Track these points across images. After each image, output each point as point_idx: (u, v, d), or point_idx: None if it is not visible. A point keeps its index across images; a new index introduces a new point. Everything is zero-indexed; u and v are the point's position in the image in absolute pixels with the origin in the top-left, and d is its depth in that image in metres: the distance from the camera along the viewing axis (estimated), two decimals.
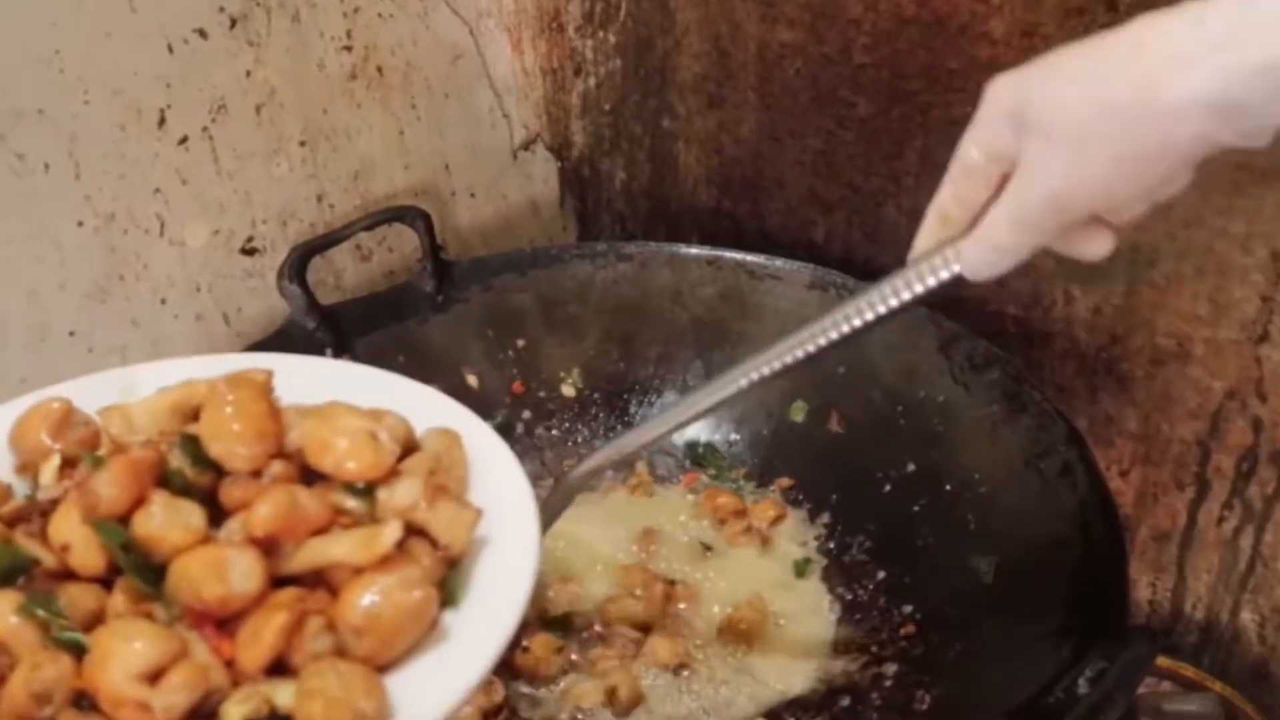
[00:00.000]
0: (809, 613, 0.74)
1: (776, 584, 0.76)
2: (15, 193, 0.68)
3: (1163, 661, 0.80)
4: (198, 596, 0.35)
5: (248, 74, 0.77)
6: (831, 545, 0.78)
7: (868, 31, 0.80)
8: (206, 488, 0.39)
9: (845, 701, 0.67)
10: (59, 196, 0.70)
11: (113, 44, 0.70)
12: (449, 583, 0.38)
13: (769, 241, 0.91)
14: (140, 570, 0.36)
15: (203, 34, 0.74)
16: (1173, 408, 0.77)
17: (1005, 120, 0.45)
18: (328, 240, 0.81)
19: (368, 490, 0.39)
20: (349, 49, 0.83)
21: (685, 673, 0.70)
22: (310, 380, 0.45)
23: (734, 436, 0.85)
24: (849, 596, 0.75)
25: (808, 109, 0.86)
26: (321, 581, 0.37)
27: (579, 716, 0.68)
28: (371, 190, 0.88)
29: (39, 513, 0.39)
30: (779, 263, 0.84)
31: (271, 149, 0.81)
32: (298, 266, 0.79)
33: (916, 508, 0.76)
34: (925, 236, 0.51)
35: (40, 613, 0.35)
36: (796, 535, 0.80)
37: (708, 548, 0.78)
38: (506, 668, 0.69)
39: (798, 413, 0.83)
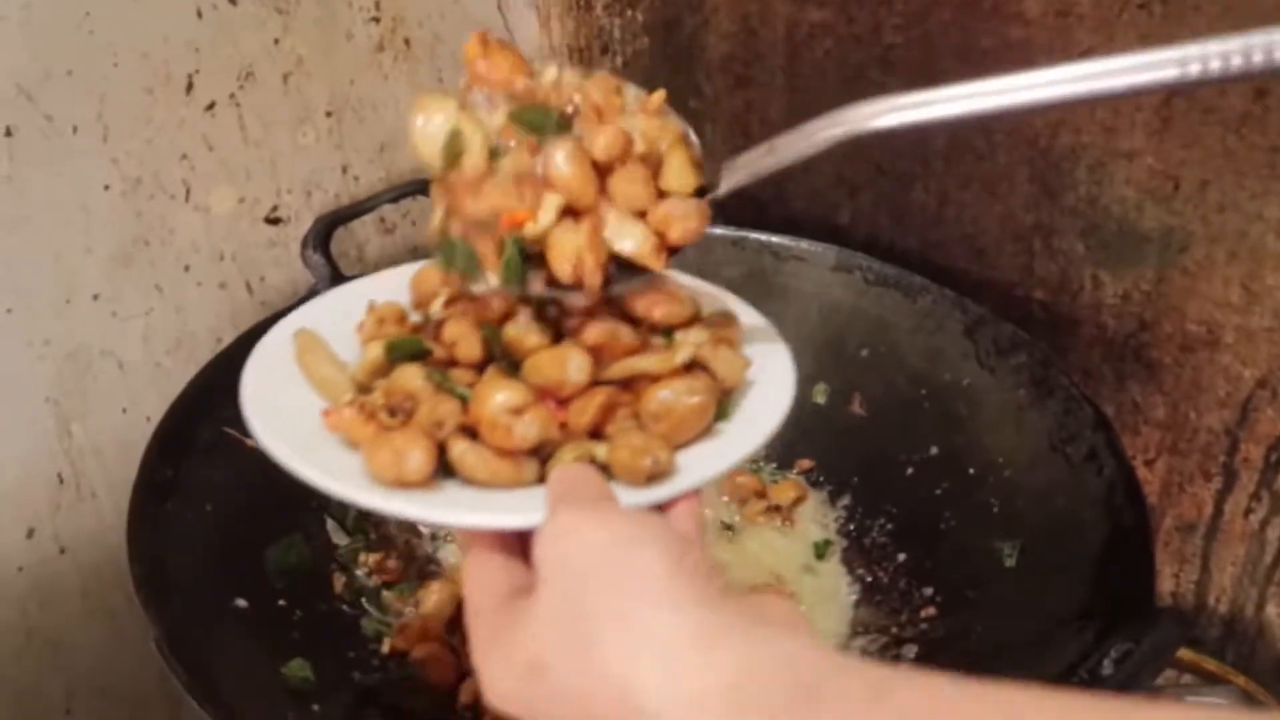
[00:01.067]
0: (829, 594, 0.74)
1: (797, 565, 0.76)
2: (43, 154, 0.68)
3: (1185, 654, 0.79)
4: (545, 379, 0.48)
5: (276, 42, 0.77)
6: (852, 527, 0.78)
7: (899, 11, 0.79)
8: (553, 319, 0.51)
9: None
10: (86, 159, 0.70)
11: (142, 7, 0.70)
12: (723, 404, 0.51)
13: (794, 223, 0.90)
14: (507, 360, 0.50)
15: (232, 0, 0.74)
16: (1201, 396, 0.76)
17: None
18: (352, 212, 0.81)
19: (669, 332, 0.51)
20: (377, 20, 0.83)
21: None
22: None
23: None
24: (869, 578, 0.74)
25: (837, 89, 0.85)
26: (629, 389, 0.50)
27: None
28: (397, 163, 0.88)
29: (433, 326, 0.53)
30: (804, 244, 0.84)
31: (298, 118, 0.81)
32: (322, 237, 0.79)
33: (939, 491, 0.75)
34: None
35: (437, 377, 0.49)
36: (817, 516, 0.79)
37: (728, 527, 0.78)
38: None
39: (820, 394, 0.83)
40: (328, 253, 0.79)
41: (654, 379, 0.49)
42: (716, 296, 0.58)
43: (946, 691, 0.32)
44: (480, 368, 0.51)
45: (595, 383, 0.49)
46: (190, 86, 0.74)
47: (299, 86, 0.80)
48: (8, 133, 0.66)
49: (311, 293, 0.79)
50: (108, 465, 0.77)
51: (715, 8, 0.90)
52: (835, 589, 0.74)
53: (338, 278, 0.79)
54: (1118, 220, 0.75)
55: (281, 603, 0.66)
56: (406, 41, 0.85)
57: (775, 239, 0.85)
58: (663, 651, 0.36)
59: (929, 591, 0.71)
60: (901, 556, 0.74)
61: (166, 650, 0.55)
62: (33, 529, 0.75)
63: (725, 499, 0.80)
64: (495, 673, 0.40)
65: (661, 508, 0.45)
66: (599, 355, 0.49)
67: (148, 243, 0.75)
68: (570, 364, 0.47)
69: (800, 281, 0.84)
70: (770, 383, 0.52)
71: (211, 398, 0.72)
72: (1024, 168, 0.78)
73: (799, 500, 0.79)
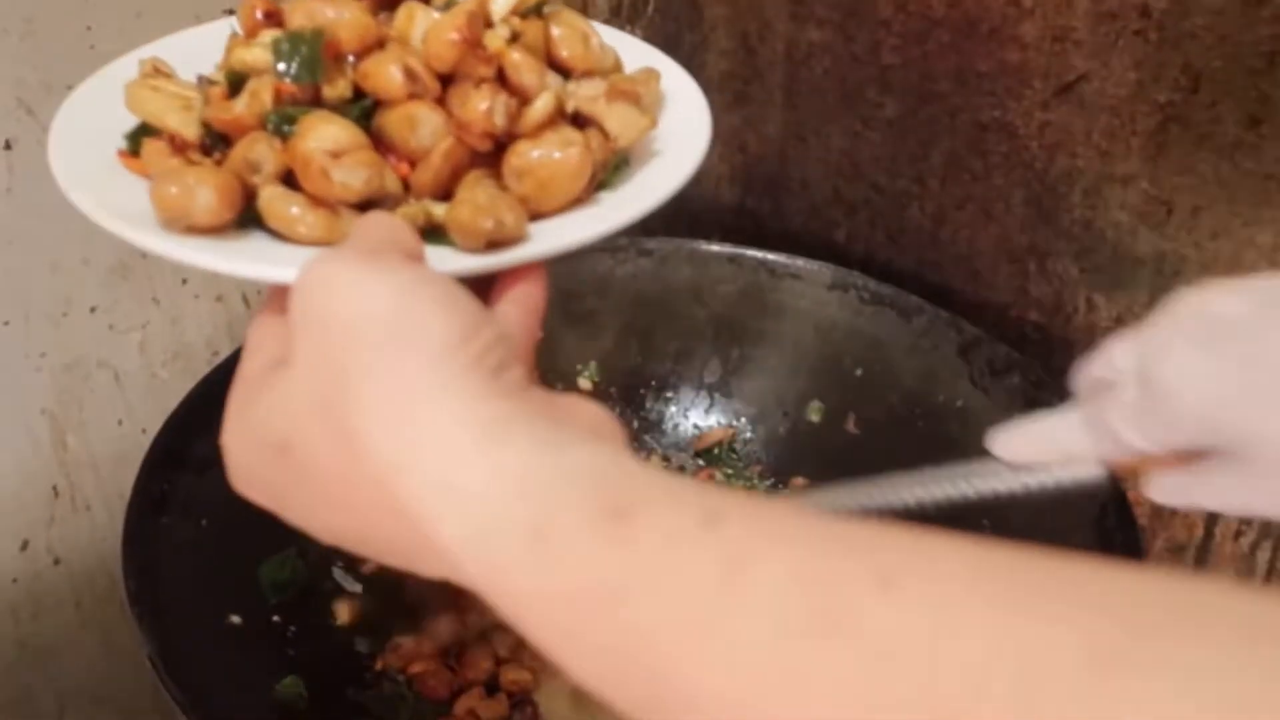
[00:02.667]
0: None
1: None
2: (43, 167, 0.68)
3: None
4: (392, 138, 0.41)
5: None
6: None
7: (897, 32, 0.79)
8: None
9: None
10: None
11: (143, 23, 0.70)
12: (611, 172, 0.43)
13: (791, 241, 0.90)
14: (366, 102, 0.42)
15: (232, 14, 0.74)
16: None
17: None
18: None
19: (568, 76, 0.45)
20: None
21: None
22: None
23: (749, 435, 0.85)
24: None
25: (834, 109, 0.86)
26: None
27: (587, 713, 0.68)
28: None
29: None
30: (800, 262, 0.84)
31: None
32: None
33: (931, 512, 0.75)
34: None
35: (273, 117, 0.41)
36: None
37: None
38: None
39: (814, 413, 0.83)
40: None
41: (523, 134, 0.41)
42: (645, 53, 0.50)
43: (796, 525, 0.26)
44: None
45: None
46: None
47: None
48: (7, 146, 0.66)
49: None
50: (102, 477, 0.78)
51: (714, 25, 0.90)
52: None
53: None
54: (1112, 244, 0.76)
55: (275, 619, 0.66)
56: None
57: (772, 256, 0.85)
58: (435, 442, 0.29)
59: None
60: None
61: (161, 667, 0.55)
62: (27, 540, 0.75)
63: None
64: (237, 451, 0.35)
65: (496, 281, 0.39)
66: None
67: (145, 255, 0.75)
68: (422, 127, 0.40)
69: (796, 299, 0.84)
70: (675, 152, 0.44)
71: (207, 412, 0.71)
72: (1020, 190, 0.79)
73: None
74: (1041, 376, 0.74)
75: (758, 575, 0.24)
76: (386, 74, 0.40)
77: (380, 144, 0.41)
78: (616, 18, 0.94)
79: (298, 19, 0.42)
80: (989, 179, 0.80)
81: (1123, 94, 0.71)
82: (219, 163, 0.41)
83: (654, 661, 0.25)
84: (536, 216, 0.41)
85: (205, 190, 0.38)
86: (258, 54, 0.42)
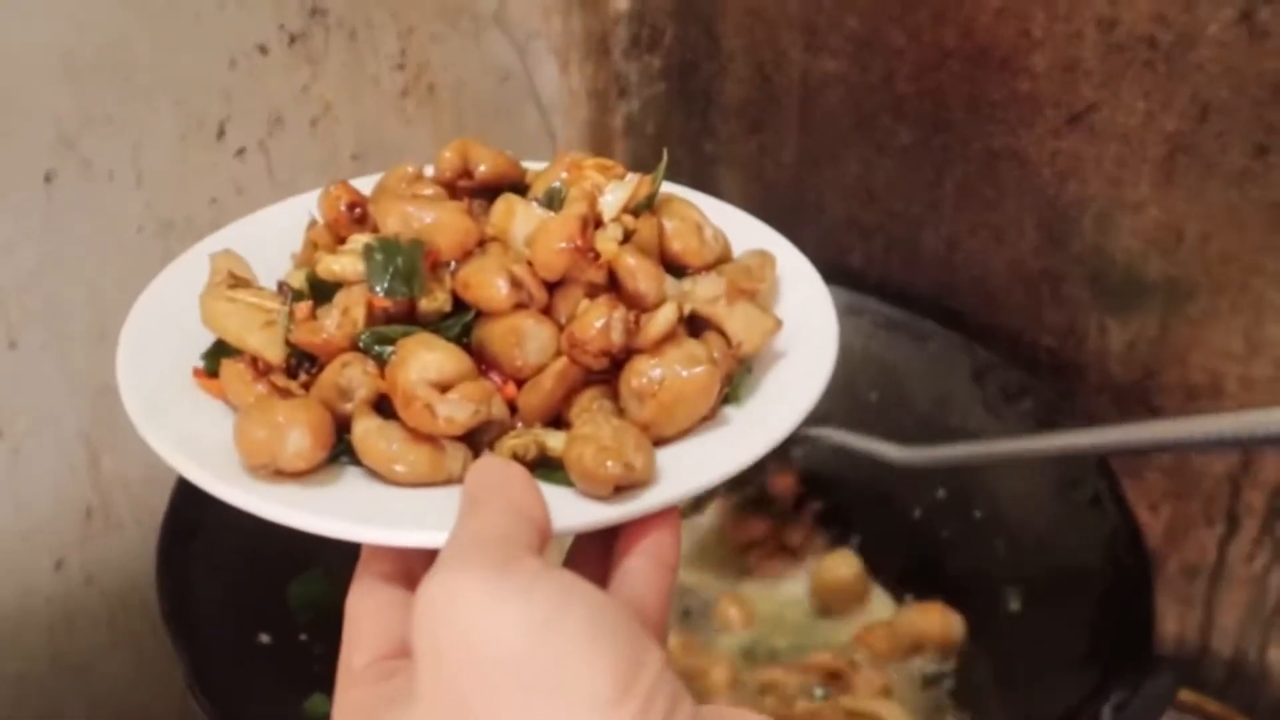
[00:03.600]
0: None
1: (805, 607, 0.77)
2: (81, 197, 0.70)
3: (1188, 696, 0.80)
4: (495, 354, 0.37)
5: (304, 89, 0.80)
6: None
7: (910, 62, 0.81)
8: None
9: None
10: (121, 202, 0.73)
11: (178, 57, 0.72)
12: (737, 381, 0.39)
13: None
14: (465, 313, 0.38)
15: (263, 50, 0.76)
16: None
17: None
18: None
19: (680, 273, 0.41)
20: (402, 67, 0.85)
21: (703, 690, 0.71)
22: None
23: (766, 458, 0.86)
24: None
25: (849, 136, 0.87)
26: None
27: None
28: None
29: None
30: None
31: (324, 162, 0.83)
32: None
33: (946, 534, 0.76)
34: None
35: (367, 336, 0.38)
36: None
37: (737, 569, 0.79)
38: None
39: None
40: None
41: (641, 349, 0.37)
42: (753, 231, 0.46)
43: None
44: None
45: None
46: (221, 132, 0.76)
47: (326, 131, 0.82)
48: (47, 178, 0.69)
49: None
50: (134, 497, 0.79)
51: (731, 55, 0.92)
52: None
53: None
54: (1123, 269, 0.77)
55: (303, 637, 0.68)
56: (430, 87, 0.88)
57: None
58: None
59: None
60: (908, 598, 0.76)
61: (195, 686, 0.57)
62: (61, 560, 0.77)
63: (735, 542, 0.82)
64: None
65: (622, 531, 0.34)
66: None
67: None
68: (529, 342, 0.36)
69: None
70: (804, 354, 0.40)
71: None
72: (1032, 215, 0.80)
73: (808, 541, 0.81)
74: (1054, 401, 0.75)
75: None
76: (490, 285, 0.37)
77: (481, 359, 0.37)
78: (635, 47, 0.96)
79: (391, 223, 0.39)
80: (1001, 205, 0.81)
81: (1132, 123, 0.72)
82: (306, 385, 0.37)
83: None
84: (659, 442, 0.36)
85: (297, 432, 0.34)
86: (347, 264, 0.38)
